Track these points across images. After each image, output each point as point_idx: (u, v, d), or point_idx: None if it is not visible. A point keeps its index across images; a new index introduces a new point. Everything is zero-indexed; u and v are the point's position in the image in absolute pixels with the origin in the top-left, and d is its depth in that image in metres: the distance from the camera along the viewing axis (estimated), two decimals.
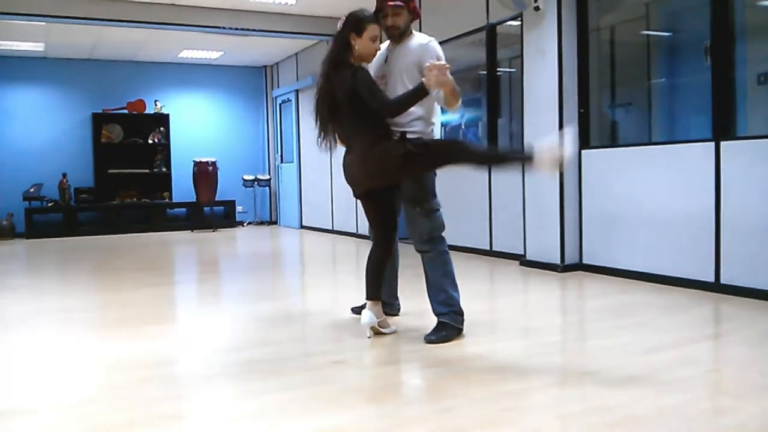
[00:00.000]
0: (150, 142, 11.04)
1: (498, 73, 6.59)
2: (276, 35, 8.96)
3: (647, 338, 3.30)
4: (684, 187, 4.54)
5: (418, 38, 3.38)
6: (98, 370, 2.96)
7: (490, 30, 6.41)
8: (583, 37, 5.36)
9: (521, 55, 5.72)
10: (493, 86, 6.52)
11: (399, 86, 3.28)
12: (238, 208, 11.55)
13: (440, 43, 3.39)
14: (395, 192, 3.36)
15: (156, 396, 2.56)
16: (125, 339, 3.53)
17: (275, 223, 12.05)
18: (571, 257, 5.39)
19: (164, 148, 11.07)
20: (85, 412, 2.39)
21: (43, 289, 5.36)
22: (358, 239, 8.61)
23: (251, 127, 12.06)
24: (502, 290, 5.11)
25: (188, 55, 10.69)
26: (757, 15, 4.84)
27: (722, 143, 4.27)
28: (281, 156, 11.72)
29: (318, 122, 3.35)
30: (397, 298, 3.83)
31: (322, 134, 3.36)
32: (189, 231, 10.67)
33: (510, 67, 6.82)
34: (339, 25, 3.28)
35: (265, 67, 12.03)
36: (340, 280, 5.99)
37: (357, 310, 3.82)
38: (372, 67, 3.46)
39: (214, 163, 10.65)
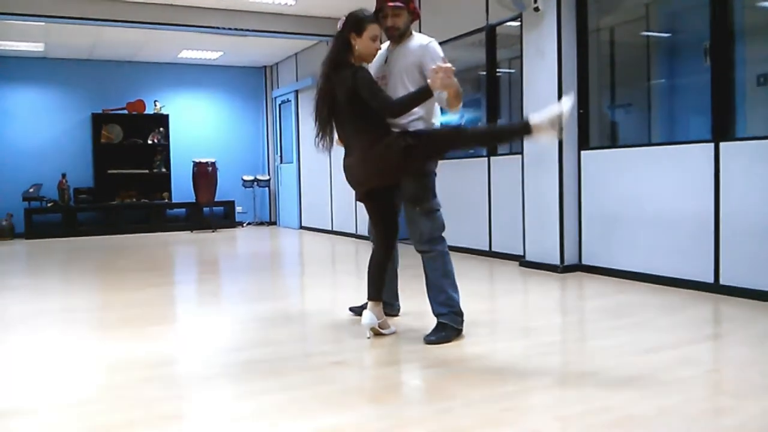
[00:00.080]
0: (149, 142, 11.04)
1: (497, 74, 6.59)
2: (275, 36, 8.96)
3: (647, 338, 3.30)
4: (684, 188, 4.55)
5: (418, 39, 3.38)
6: (98, 370, 2.97)
7: (490, 31, 6.41)
8: (582, 37, 5.36)
9: (521, 56, 5.73)
10: (492, 87, 6.52)
11: (399, 87, 3.28)
12: (238, 209, 11.55)
13: (440, 43, 3.39)
14: (395, 192, 3.36)
15: (156, 396, 2.56)
16: (125, 339, 3.53)
17: (275, 223, 12.05)
18: (570, 258, 5.40)
19: (164, 148, 11.07)
20: (85, 412, 2.39)
21: (43, 290, 5.36)
22: (358, 240, 8.61)
23: (251, 127, 12.06)
24: (501, 291, 5.11)
25: (188, 55, 10.70)
26: (757, 16, 4.85)
27: (722, 144, 4.28)
28: (281, 156, 11.72)
29: (317, 123, 3.35)
30: (397, 299, 3.83)
31: (321, 134, 3.36)
32: (188, 231, 10.67)
33: (509, 68, 6.83)
34: (339, 25, 3.28)
35: (265, 67, 12.03)
36: (340, 280, 5.99)
37: (356, 310, 3.83)
38: (372, 68, 3.46)
39: (213, 164, 10.65)
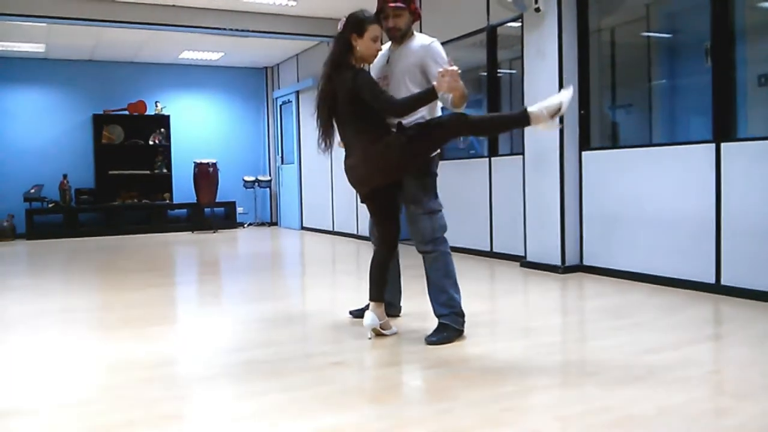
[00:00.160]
0: (151, 143, 11.05)
1: (498, 75, 6.59)
2: (276, 36, 8.97)
3: (647, 339, 3.30)
4: (685, 188, 4.54)
5: (420, 39, 3.38)
6: (99, 370, 2.97)
7: (491, 31, 6.42)
8: (583, 38, 5.36)
9: (522, 57, 5.73)
10: (493, 87, 6.52)
11: (401, 87, 3.28)
12: (239, 209, 11.55)
13: (441, 44, 3.39)
14: (397, 192, 3.36)
15: (156, 396, 2.56)
16: (126, 339, 3.53)
17: (276, 224, 12.06)
18: (571, 258, 5.40)
19: (165, 149, 11.09)
20: (85, 412, 2.40)
21: (44, 290, 5.37)
22: (359, 240, 8.61)
23: (252, 128, 12.07)
24: (502, 291, 5.11)
25: (189, 56, 10.70)
26: (757, 16, 4.84)
27: (723, 144, 4.27)
28: (282, 157, 11.73)
29: (319, 124, 3.36)
30: (399, 299, 3.83)
31: (323, 135, 3.36)
32: (189, 232, 10.68)
33: (510, 69, 6.83)
34: (339, 26, 3.28)
35: (266, 68, 12.04)
36: (341, 281, 5.99)
37: (356, 313, 3.82)
38: (374, 69, 3.46)
39: (214, 164, 10.65)
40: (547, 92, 5.30)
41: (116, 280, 5.82)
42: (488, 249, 6.46)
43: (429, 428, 2.18)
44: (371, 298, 3.39)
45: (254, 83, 12.05)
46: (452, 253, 3.39)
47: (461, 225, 6.38)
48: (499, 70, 6.60)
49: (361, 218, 8.45)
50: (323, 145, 3.37)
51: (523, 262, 5.78)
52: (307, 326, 3.87)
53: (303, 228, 10.95)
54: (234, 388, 2.67)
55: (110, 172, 10.72)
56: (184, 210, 11.13)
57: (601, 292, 4.62)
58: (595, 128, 5.46)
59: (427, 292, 3.39)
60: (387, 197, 3.37)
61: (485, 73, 6.59)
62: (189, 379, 2.85)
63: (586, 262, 5.38)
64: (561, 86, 5.27)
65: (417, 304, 3.86)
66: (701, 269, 4.41)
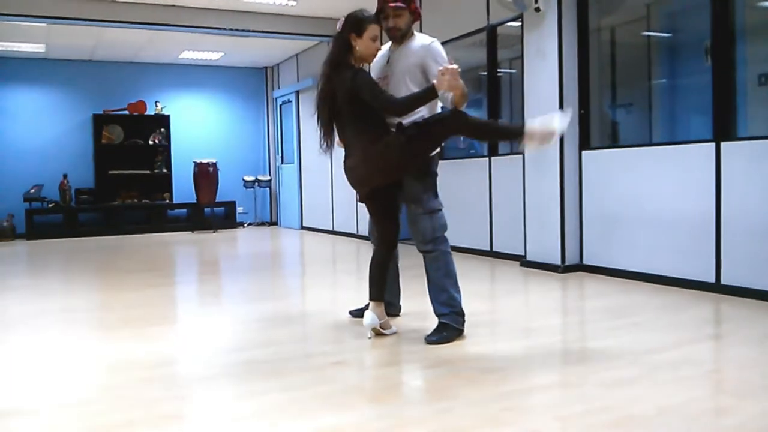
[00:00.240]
0: (151, 143, 11.05)
1: (498, 74, 6.59)
2: (276, 36, 8.97)
3: (647, 338, 3.29)
4: (685, 188, 4.54)
5: (420, 39, 3.38)
6: (99, 370, 2.97)
7: (491, 31, 6.41)
8: (583, 38, 5.36)
9: (522, 56, 5.73)
10: (493, 87, 6.52)
11: (401, 87, 3.28)
12: (239, 209, 11.56)
13: (441, 43, 3.39)
14: (397, 192, 3.36)
15: (156, 396, 2.56)
16: (126, 339, 3.53)
17: (276, 224, 12.06)
18: (571, 258, 5.39)
19: (165, 149, 11.09)
20: (85, 412, 2.39)
21: (44, 290, 5.37)
22: (359, 240, 8.61)
23: (252, 128, 12.07)
24: (502, 291, 5.11)
25: (189, 56, 10.70)
26: (758, 15, 4.84)
27: (723, 144, 4.27)
28: (282, 157, 11.73)
29: (320, 124, 3.35)
30: (399, 298, 3.83)
31: (324, 135, 3.36)
32: (189, 232, 10.68)
33: (510, 68, 6.83)
34: (338, 26, 3.27)
35: (266, 68, 12.04)
36: (341, 280, 5.99)
37: (355, 313, 3.82)
38: (374, 69, 3.46)
39: (214, 164, 10.65)
40: (548, 92, 5.37)
41: (116, 280, 5.82)
42: (488, 249, 6.46)
43: (429, 428, 2.18)
44: (371, 298, 3.39)
45: (254, 83, 12.05)
46: (452, 252, 3.39)
47: (461, 224, 6.38)
48: (499, 70, 6.60)
49: (361, 218, 8.45)
50: (325, 145, 3.37)
51: (523, 261, 5.78)
52: (307, 326, 3.87)
53: (303, 228, 10.95)
54: (234, 388, 2.67)
55: (110, 172, 10.72)
56: (184, 210, 11.13)
57: (601, 292, 4.62)
58: (595, 128, 5.46)
59: (427, 291, 3.39)
60: (387, 197, 3.37)
61: (485, 73, 6.59)
62: (189, 379, 2.85)
63: (586, 262, 5.37)
64: (561, 90, 5.28)
65: (417, 304, 3.86)
66: (701, 269, 4.41)
